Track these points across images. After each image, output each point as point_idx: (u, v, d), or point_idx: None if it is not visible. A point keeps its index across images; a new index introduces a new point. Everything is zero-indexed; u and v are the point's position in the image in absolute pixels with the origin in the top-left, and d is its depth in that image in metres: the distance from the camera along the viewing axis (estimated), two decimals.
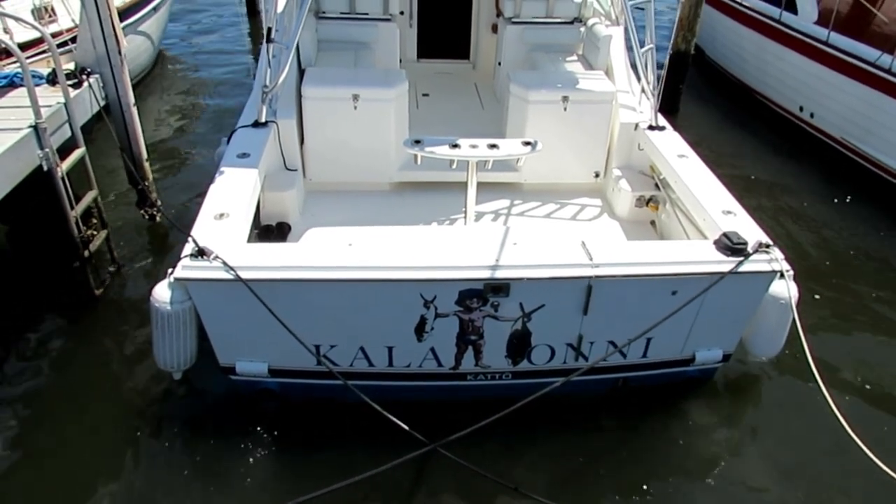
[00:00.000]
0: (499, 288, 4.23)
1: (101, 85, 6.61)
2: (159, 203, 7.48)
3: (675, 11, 10.07)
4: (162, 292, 4.22)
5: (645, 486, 4.72)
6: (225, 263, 4.05)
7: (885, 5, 9.22)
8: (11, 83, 6.30)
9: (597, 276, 4.23)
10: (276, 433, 4.95)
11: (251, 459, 4.77)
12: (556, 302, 4.41)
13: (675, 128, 6.34)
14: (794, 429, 5.23)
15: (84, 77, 6.40)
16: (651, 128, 6.26)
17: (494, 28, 8.84)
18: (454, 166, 5.09)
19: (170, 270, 4.19)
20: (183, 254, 4.15)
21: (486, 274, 4.16)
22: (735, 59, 12.22)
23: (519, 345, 4.67)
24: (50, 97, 5.96)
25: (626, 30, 7.15)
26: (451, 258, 4.23)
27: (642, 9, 6.33)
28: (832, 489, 4.80)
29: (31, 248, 6.48)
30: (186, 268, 4.09)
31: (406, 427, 4.18)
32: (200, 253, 4.09)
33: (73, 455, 4.82)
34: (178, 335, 4.31)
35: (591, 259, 4.26)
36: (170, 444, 4.90)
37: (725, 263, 4.36)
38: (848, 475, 4.78)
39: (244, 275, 4.02)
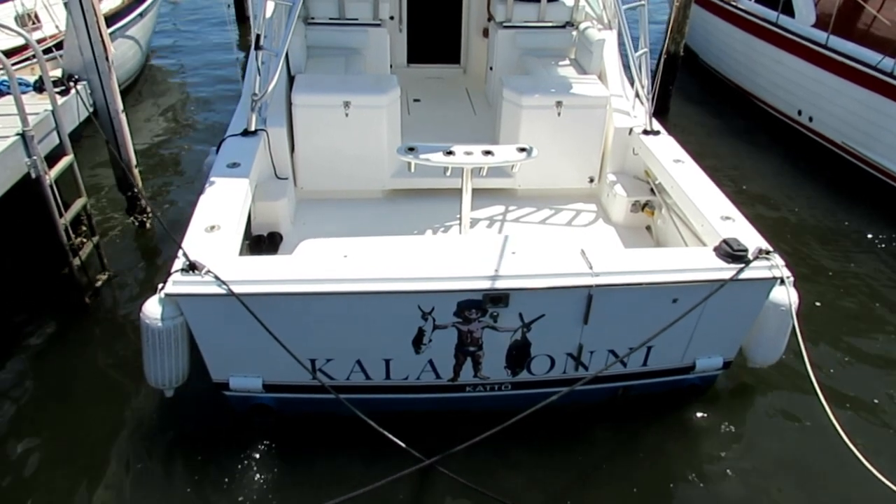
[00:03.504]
0: (498, 298, 4.16)
1: (89, 91, 6.53)
2: (149, 209, 7.38)
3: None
4: (152, 308, 4.11)
5: (645, 498, 4.67)
6: (217, 278, 3.95)
7: (886, 7, 9.21)
8: None
9: (597, 286, 4.17)
10: (271, 449, 4.87)
11: (246, 476, 4.68)
12: (556, 312, 4.35)
13: (667, 131, 6.30)
14: (793, 438, 5.20)
15: (71, 84, 6.32)
16: (646, 132, 6.22)
17: (485, 32, 8.78)
18: (448, 173, 5.02)
19: (160, 286, 4.09)
20: (173, 268, 4.04)
21: (485, 284, 4.09)
22: (730, 62, 12.20)
23: (518, 355, 4.60)
24: (37, 104, 5.90)
25: (619, 34, 7.10)
26: (450, 269, 4.15)
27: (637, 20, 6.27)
28: (829, 499, 4.76)
29: (19, 257, 6.42)
30: (177, 283, 3.98)
31: (402, 444, 4.09)
32: (191, 267, 3.99)
33: (62, 474, 4.71)
34: (170, 352, 4.20)
35: (591, 268, 4.19)
36: (163, 463, 4.80)
37: (726, 270, 4.31)
38: (846, 485, 4.75)
39: (237, 289, 3.93)
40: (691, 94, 12.26)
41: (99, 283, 6.46)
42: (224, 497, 4.56)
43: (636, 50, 6.08)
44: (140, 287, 6.57)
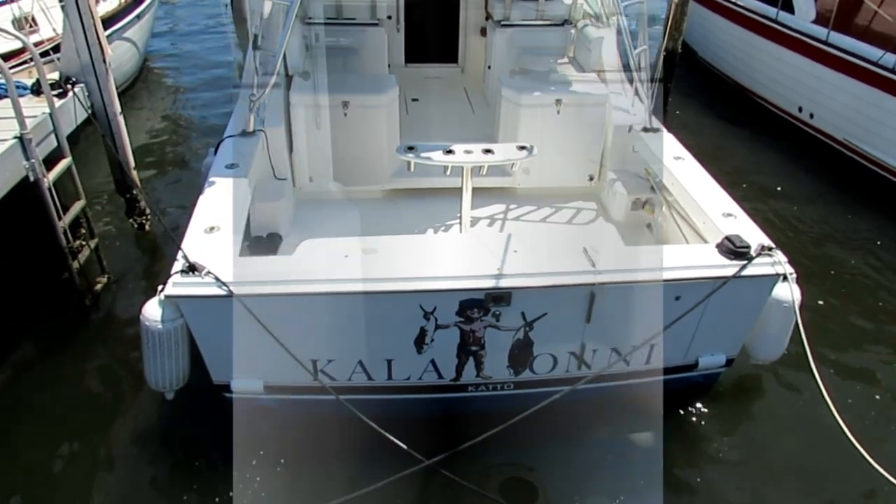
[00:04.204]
0: (500, 297, 4.14)
1: (87, 94, 6.52)
2: (148, 211, 7.36)
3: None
4: (152, 310, 4.09)
5: (648, 498, 4.65)
6: (217, 279, 3.93)
7: (886, 3, 9.19)
8: None
9: (600, 283, 4.15)
10: (272, 451, 4.84)
11: (247, 478, 4.66)
12: (559, 310, 4.33)
13: (666, 128, 6.27)
14: (796, 434, 5.20)
15: (69, 87, 6.32)
16: (645, 130, 6.20)
17: (483, 31, 8.75)
18: (448, 172, 5.00)
19: (160, 287, 4.07)
20: (173, 270, 4.02)
21: (487, 283, 4.07)
22: (729, 59, 12.18)
23: (521, 354, 4.58)
24: (35, 107, 5.91)
25: (618, 31, 7.07)
26: (452, 268, 4.14)
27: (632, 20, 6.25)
28: (832, 495, 4.76)
29: (18, 260, 6.40)
30: (177, 284, 3.96)
31: (404, 446, 4.06)
32: (191, 268, 3.97)
33: (61, 476, 4.70)
34: (170, 354, 4.18)
35: (593, 266, 4.17)
36: (163, 466, 4.79)
37: (729, 267, 4.30)
38: (848, 481, 4.74)
39: (237, 290, 3.91)
40: (690, 91, 12.21)
41: (98, 286, 6.45)
42: (224, 499, 4.54)
43: (635, 47, 6.06)
44: (140, 289, 6.55)
